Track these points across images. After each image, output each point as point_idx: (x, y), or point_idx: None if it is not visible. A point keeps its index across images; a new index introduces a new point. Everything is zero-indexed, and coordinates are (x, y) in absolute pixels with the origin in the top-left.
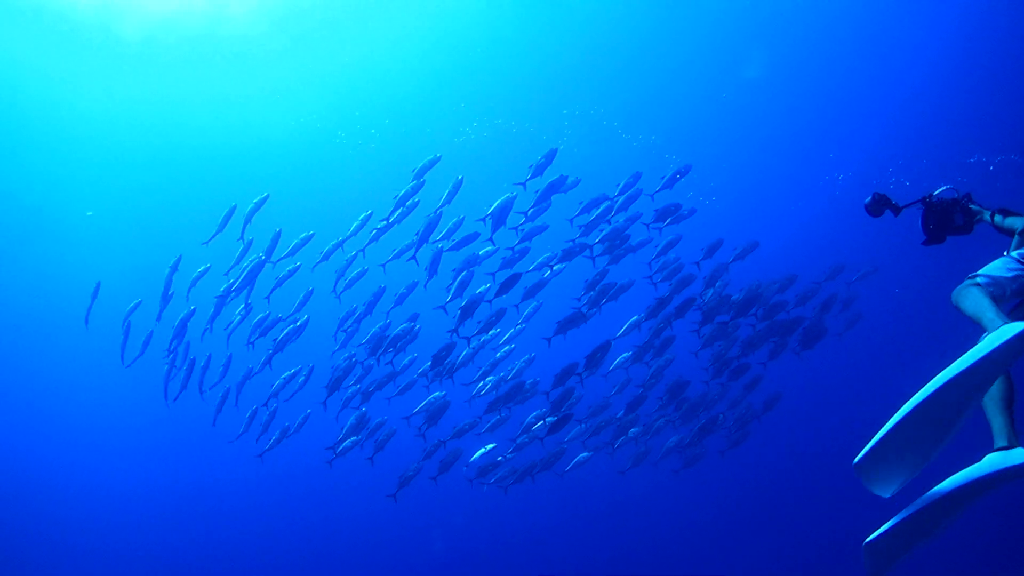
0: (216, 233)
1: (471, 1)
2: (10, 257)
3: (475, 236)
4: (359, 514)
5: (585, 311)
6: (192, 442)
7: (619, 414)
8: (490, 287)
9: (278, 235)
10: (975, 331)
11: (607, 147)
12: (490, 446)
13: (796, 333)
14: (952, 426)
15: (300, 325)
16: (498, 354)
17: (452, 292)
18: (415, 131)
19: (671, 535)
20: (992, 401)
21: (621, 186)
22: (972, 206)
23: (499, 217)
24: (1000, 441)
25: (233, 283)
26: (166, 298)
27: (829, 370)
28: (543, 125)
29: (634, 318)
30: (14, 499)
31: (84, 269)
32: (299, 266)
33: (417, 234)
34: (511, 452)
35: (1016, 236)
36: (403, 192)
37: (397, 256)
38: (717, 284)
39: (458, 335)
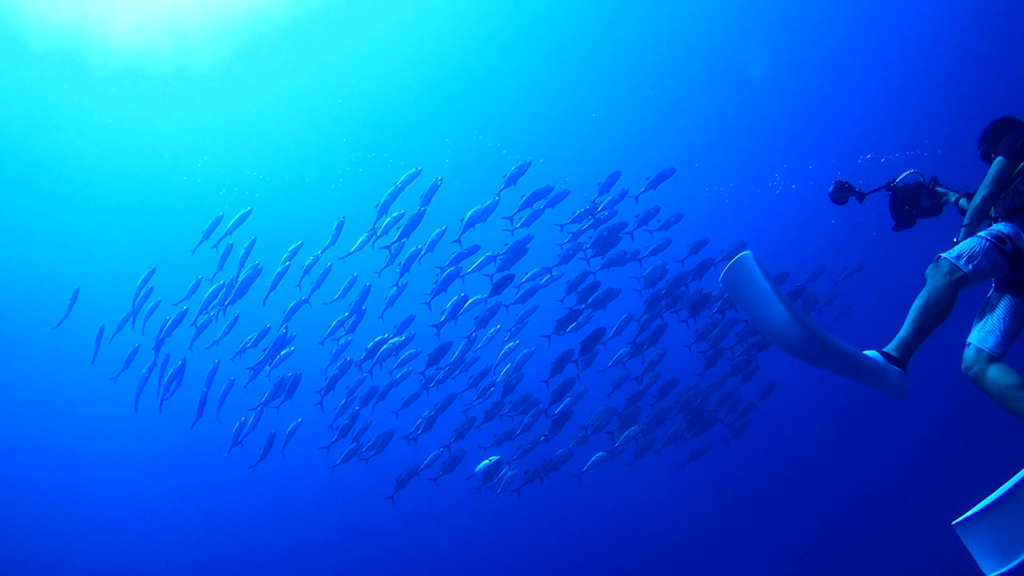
0: (200, 242)
1: (428, 25)
2: None
3: (476, 248)
4: (361, 517)
5: (578, 308)
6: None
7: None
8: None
9: (253, 243)
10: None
11: (585, 155)
12: (493, 458)
13: None
14: None
15: (288, 337)
16: (502, 351)
17: (436, 287)
18: (389, 146)
19: (676, 530)
20: None
21: (603, 183)
22: (939, 188)
23: (473, 221)
24: None
25: (218, 294)
26: (135, 314)
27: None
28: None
29: (625, 315)
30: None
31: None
32: (288, 266)
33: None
34: (515, 458)
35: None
36: (383, 201)
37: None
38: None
39: (439, 330)
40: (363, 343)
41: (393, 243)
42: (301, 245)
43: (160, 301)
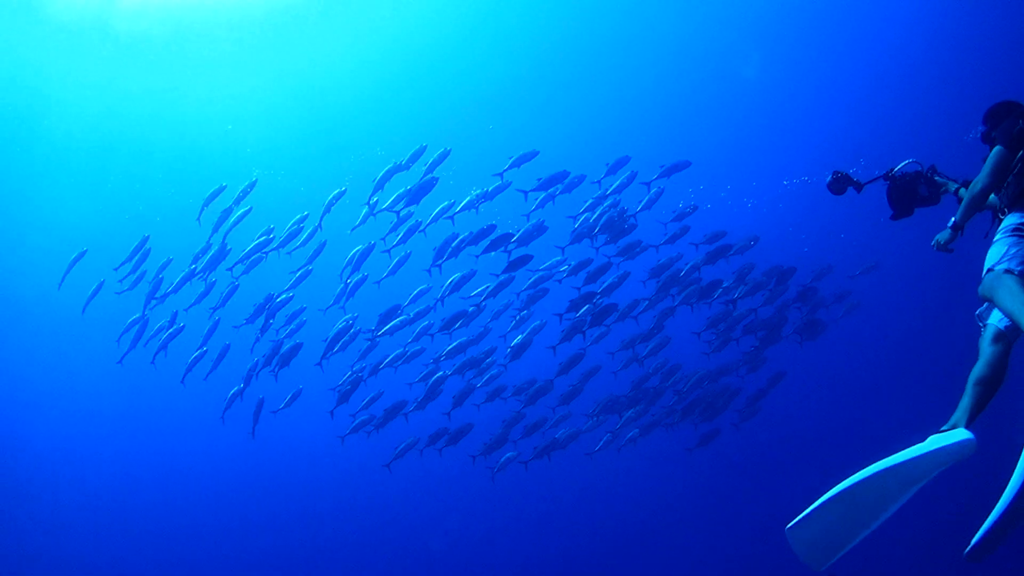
0: (202, 210)
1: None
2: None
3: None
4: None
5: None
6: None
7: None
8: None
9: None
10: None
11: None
12: (511, 454)
13: (796, 325)
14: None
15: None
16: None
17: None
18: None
19: (679, 523)
20: None
21: (611, 165)
22: (937, 178)
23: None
24: None
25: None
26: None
27: (830, 352)
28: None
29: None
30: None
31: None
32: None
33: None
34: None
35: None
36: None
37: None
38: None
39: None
40: (368, 316)
41: (399, 210)
42: (307, 215)
43: (171, 260)
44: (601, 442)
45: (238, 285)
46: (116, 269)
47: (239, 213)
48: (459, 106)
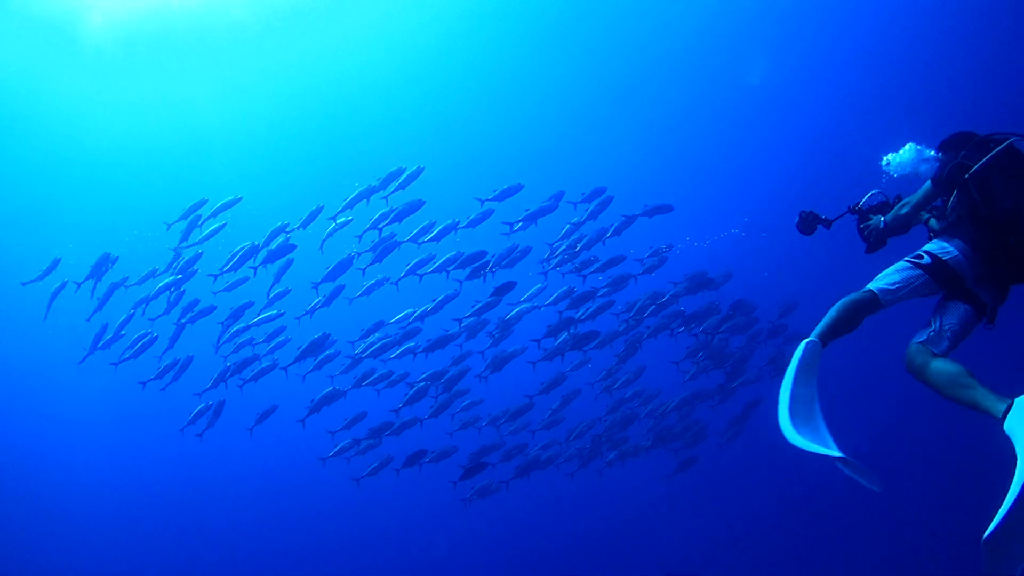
0: (178, 220)
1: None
2: None
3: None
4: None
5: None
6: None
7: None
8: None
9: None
10: None
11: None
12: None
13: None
14: None
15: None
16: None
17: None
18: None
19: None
20: None
21: (587, 195)
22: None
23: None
24: None
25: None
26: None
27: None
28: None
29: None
30: None
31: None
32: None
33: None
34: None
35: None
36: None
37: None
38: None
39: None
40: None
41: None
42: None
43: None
44: (611, 456)
45: (215, 307)
46: (79, 285)
47: (214, 227)
48: (439, 118)
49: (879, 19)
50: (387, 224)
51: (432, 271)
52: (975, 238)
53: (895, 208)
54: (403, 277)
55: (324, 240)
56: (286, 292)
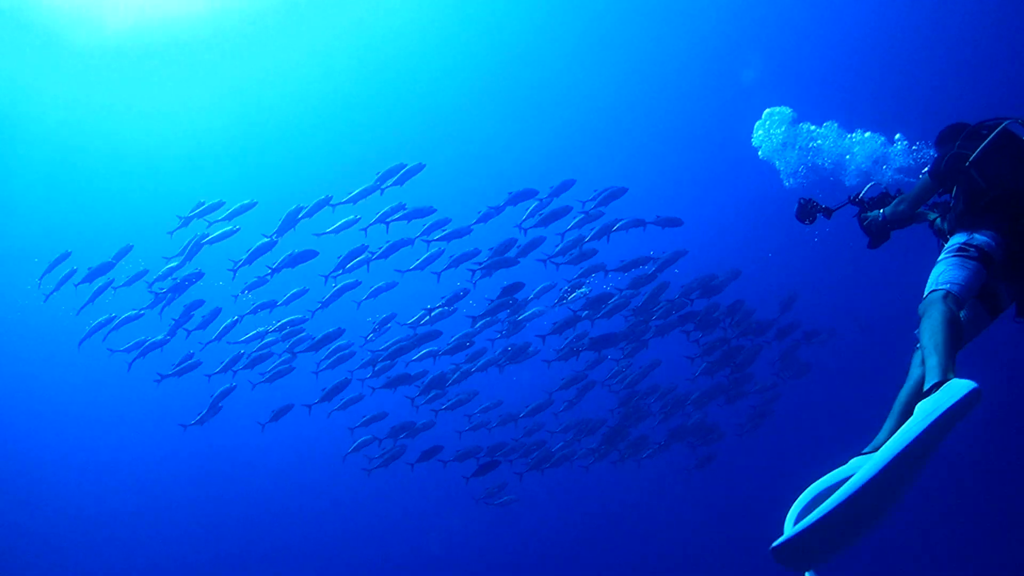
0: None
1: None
2: None
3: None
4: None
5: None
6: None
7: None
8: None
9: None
10: None
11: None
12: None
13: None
14: (891, 504)
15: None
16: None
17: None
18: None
19: (679, 533)
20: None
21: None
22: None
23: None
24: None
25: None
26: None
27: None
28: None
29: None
30: None
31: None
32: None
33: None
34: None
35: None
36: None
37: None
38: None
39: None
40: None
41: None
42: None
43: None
44: (593, 457)
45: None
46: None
47: (225, 230)
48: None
49: (878, 19)
50: (395, 219)
51: (447, 268)
52: (993, 222)
53: (894, 203)
54: (412, 269)
55: (325, 232)
56: (304, 291)
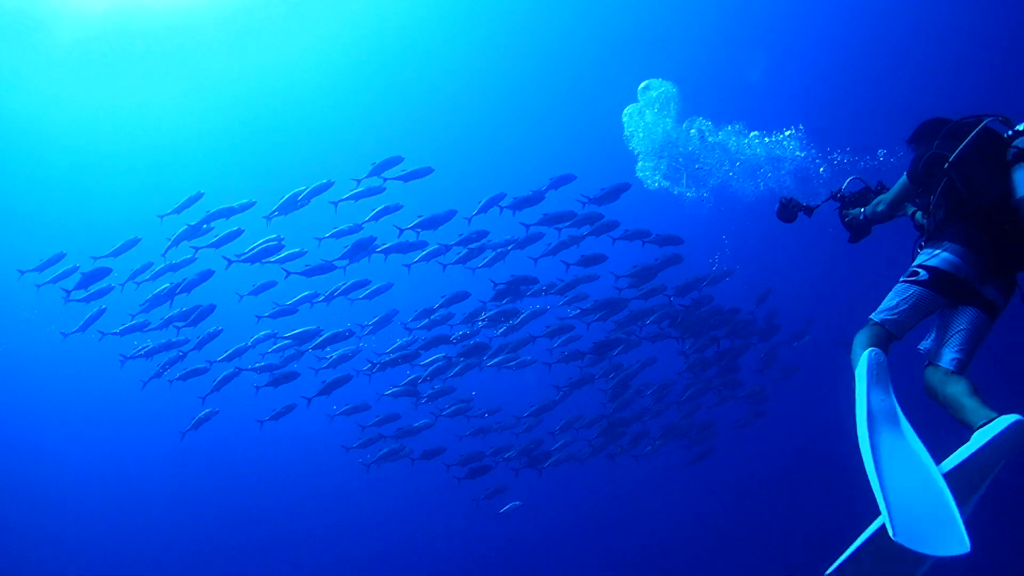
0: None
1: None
2: None
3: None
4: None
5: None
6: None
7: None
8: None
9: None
10: None
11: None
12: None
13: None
14: None
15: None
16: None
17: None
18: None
19: (677, 530)
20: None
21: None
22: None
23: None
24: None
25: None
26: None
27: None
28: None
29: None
30: None
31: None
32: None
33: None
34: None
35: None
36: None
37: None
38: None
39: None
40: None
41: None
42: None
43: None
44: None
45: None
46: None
47: (229, 231)
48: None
49: (879, 19)
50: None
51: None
52: (967, 234)
53: (873, 203)
54: (416, 262)
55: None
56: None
